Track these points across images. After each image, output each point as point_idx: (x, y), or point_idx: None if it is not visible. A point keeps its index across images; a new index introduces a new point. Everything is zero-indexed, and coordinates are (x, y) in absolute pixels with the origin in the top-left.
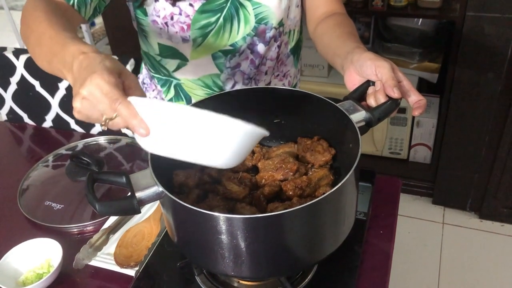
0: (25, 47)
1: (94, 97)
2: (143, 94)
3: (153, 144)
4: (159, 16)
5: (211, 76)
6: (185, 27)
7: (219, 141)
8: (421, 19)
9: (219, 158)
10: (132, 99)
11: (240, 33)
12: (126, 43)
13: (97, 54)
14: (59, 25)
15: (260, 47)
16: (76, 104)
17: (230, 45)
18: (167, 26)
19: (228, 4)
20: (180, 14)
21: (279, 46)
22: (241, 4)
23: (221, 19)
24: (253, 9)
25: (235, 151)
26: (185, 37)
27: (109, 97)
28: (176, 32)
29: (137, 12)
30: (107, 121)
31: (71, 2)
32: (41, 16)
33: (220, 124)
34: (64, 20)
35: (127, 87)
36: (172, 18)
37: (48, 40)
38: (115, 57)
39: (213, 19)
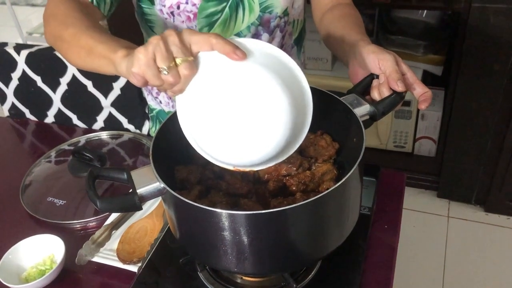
0: (27, 42)
1: (164, 42)
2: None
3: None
4: (164, 6)
5: None
6: (192, 16)
7: None
8: (425, 11)
9: None
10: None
11: (244, 22)
12: (128, 37)
13: None
14: (95, 27)
15: (264, 37)
16: (139, 54)
17: (235, 35)
18: (173, 15)
19: None
20: (187, 3)
21: (283, 37)
22: None
23: (227, 8)
24: None
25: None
26: (191, 27)
27: (182, 40)
28: (183, 21)
29: (143, 1)
30: (168, 70)
31: None
32: (71, 13)
33: None
34: (92, 19)
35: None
36: (178, 7)
37: (87, 40)
38: None
39: (219, 7)
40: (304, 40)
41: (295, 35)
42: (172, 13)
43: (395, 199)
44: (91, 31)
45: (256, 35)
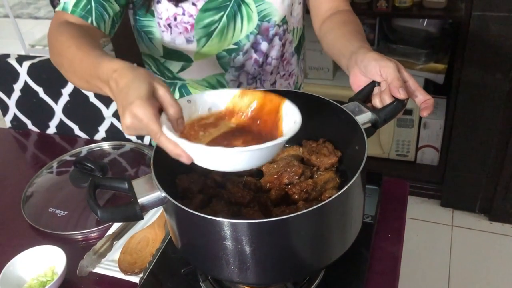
0: (29, 54)
1: (137, 127)
2: (175, 108)
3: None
4: (161, 18)
5: (215, 76)
6: (189, 27)
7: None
8: (426, 20)
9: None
10: (168, 134)
11: (243, 31)
12: (130, 48)
13: (128, 71)
14: (86, 45)
15: (264, 46)
16: (123, 126)
17: (234, 44)
18: (170, 27)
19: (231, 2)
20: (184, 14)
21: (283, 45)
22: (244, 2)
23: (225, 17)
24: (256, 6)
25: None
26: (189, 38)
27: (150, 130)
28: (180, 33)
29: (145, 15)
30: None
31: (89, 20)
32: (68, 41)
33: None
34: (89, 39)
35: (160, 103)
36: (175, 19)
37: (80, 63)
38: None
39: (216, 17)
40: (303, 47)
41: (295, 43)
42: (169, 25)
43: (398, 207)
44: (84, 61)
45: (255, 44)
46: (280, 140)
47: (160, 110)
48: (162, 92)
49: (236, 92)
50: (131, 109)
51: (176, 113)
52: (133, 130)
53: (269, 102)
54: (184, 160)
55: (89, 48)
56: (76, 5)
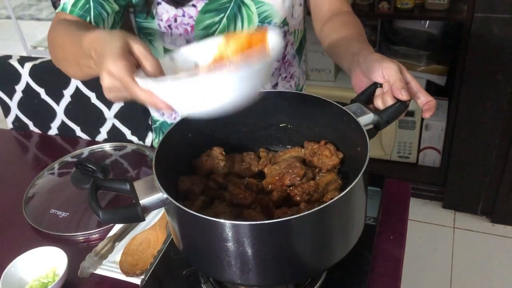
0: (31, 55)
1: (115, 85)
2: (152, 62)
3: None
4: (162, 20)
5: None
6: (189, 29)
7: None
8: (428, 21)
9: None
10: (138, 81)
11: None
12: None
13: (103, 35)
14: (73, 28)
15: None
16: (104, 91)
17: None
18: (171, 29)
19: (231, 4)
20: (184, 15)
21: (285, 47)
22: (244, 3)
23: (225, 19)
24: (256, 8)
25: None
26: (189, 39)
27: (123, 84)
28: (180, 34)
29: (143, 17)
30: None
31: (88, 19)
32: (58, 29)
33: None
34: (77, 24)
35: (138, 60)
36: (175, 20)
37: (69, 47)
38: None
39: (216, 18)
40: (304, 48)
41: (297, 45)
42: (169, 26)
43: (400, 209)
44: (72, 42)
45: None
46: (262, 59)
47: (137, 66)
48: (137, 47)
49: (220, 39)
50: (105, 67)
51: (153, 66)
52: (113, 92)
53: (255, 40)
54: (163, 107)
55: (75, 30)
56: (74, 5)
